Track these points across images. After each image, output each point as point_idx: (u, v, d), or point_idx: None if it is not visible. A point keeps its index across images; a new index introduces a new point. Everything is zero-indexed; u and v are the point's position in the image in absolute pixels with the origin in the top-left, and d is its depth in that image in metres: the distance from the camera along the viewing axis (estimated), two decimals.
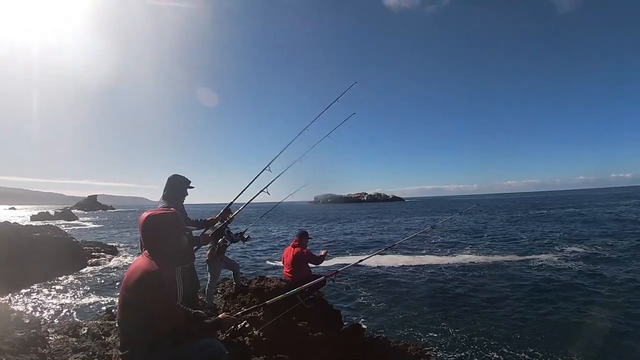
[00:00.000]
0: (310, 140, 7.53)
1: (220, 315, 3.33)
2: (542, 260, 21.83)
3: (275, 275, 10.59)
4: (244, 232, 8.28)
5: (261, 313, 6.34)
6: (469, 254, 25.66)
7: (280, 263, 9.97)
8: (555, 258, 22.47)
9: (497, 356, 9.76)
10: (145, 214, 2.93)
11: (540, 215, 59.97)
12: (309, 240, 8.18)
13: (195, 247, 5.23)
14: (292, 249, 7.87)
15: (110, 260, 25.21)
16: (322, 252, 8.09)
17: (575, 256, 22.76)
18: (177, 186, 5.29)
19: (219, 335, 3.95)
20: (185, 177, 5.38)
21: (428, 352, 8.08)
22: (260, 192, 6.65)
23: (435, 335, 11.40)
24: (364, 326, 8.83)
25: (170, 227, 2.94)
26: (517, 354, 9.82)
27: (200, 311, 3.30)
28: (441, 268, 21.09)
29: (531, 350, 9.99)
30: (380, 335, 8.51)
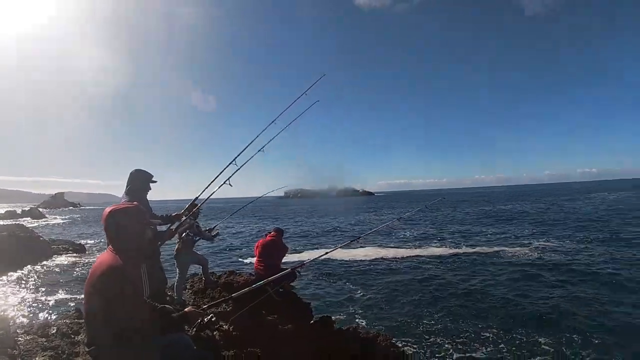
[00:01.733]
0: (284, 134, 7.50)
1: (186, 309, 3.31)
2: (508, 252, 22.57)
3: (245, 271, 10.57)
4: (214, 228, 8.24)
5: (230, 307, 6.33)
6: (437, 246, 26.31)
7: (250, 259, 9.98)
8: (522, 250, 23.22)
9: (461, 343, 10.12)
10: (107, 209, 2.90)
11: (506, 208, 61.64)
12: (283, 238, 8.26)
13: (160, 243, 5.19)
14: (266, 240, 7.87)
15: (78, 258, 24.65)
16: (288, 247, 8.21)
17: (542, 248, 23.58)
18: (140, 181, 5.23)
19: (187, 330, 3.92)
20: (148, 171, 5.33)
21: (397, 342, 8.22)
22: (223, 183, 6.57)
23: (404, 324, 11.69)
24: (333, 318, 8.91)
25: (133, 221, 2.91)
26: (483, 342, 10.18)
27: (167, 306, 3.26)
28: (408, 260, 21.62)
29: (498, 339, 10.39)
30: (350, 327, 8.59)
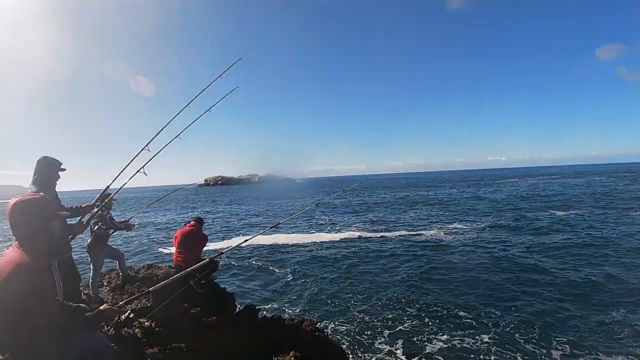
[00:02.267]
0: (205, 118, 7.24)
1: (101, 307, 3.16)
2: (424, 235, 23.95)
3: (164, 262, 10.25)
4: (129, 219, 7.85)
5: (150, 302, 6.10)
6: (354, 230, 27.25)
7: (169, 250, 9.65)
8: (438, 232, 24.75)
9: (380, 322, 10.58)
10: (11, 201, 2.67)
11: (421, 193, 64.75)
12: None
13: (70, 237, 4.85)
14: (185, 230, 7.62)
15: None
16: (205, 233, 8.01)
17: (456, 230, 25.29)
18: (47, 169, 4.76)
19: (105, 329, 3.71)
20: (56, 158, 4.92)
21: (322, 327, 8.34)
22: (136, 172, 6.21)
23: (327, 308, 12.01)
24: (257, 306, 8.89)
25: (39, 214, 2.70)
26: (399, 320, 10.74)
27: (81, 305, 3.07)
28: (327, 244, 22.30)
29: (410, 316, 11.04)
30: (274, 314, 8.60)
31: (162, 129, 6.35)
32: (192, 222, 7.78)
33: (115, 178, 6.03)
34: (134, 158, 5.99)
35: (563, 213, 30.32)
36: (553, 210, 31.61)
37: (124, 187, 6.24)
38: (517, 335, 9.51)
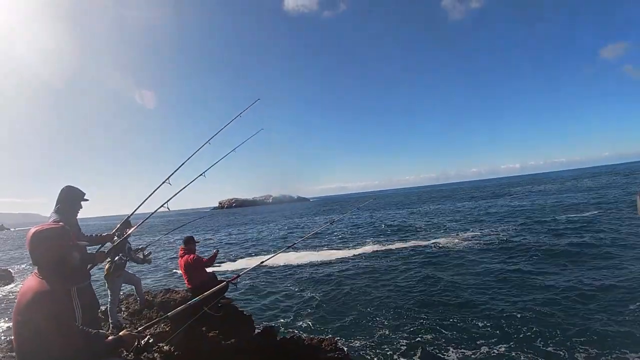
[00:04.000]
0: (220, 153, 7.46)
1: (121, 333, 3.19)
2: (438, 245, 23.96)
3: (183, 285, 10.31)
4: (145, 248, 7.93)
5: (169, 327, 6.14)
6: (370, 244, 27.27)
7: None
8: (453, 241, 24.75)
9: (404, 339, 10.36)
10: (32, 230, 2.74)
11: (435, 205, 64.36)
12: (211, 244, 8.04)
13: (90, 265, 4.93)
14: (182, 258, 7.69)
15: (4, 284, 22.81)
16: (213, 252, 7.99)
17: (470, 237, 25.27)
18: (71, 199, 4.89)
19: (125, 354, 3.76)
20: (80, 188, 5.03)
21: (342, 346, 8.29)
22: (160, 207, 6.39)
23: (347, 326, 11.85)
24: (276, 327, 8.90)
25: (58, 243, 2.77)
26: (424, 336, 10.53)
27: (101, 331, 3.12)
28: (344, 260, 22.21)
29: (439, 331, 10.81)
30: (294, 335, 8.59)
31: (182, 164, 6.54)
32: (182, 247, 7.80)
33: (136, 210, 6.19)
34: (155, 191, 6.15)
35: (576, 216, 30.10)
36: (565, 214, 31.25)
37: (140, 213, 6.38)
38: (536, 342, 9.38)
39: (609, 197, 41.96)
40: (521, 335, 9.97)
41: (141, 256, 7.64)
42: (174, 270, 23.44)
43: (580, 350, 8.90)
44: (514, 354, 9.08)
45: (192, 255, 7.63)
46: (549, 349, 9.14)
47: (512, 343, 9.61)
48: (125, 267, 7.38)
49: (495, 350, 9.35)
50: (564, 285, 13.29)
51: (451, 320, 11.42)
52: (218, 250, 8.28)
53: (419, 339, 10.34)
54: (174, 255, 30.73)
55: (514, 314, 11.33)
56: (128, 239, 7.05)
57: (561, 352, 8.91)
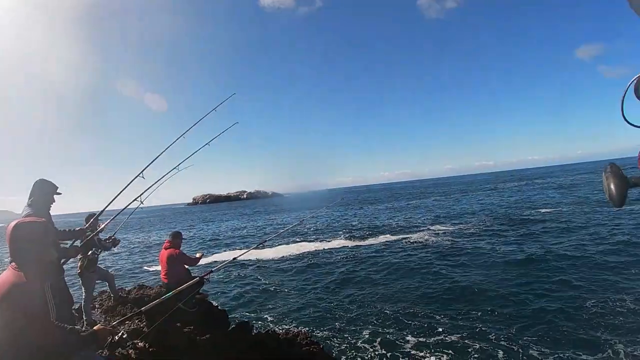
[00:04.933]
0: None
1: (95, 327, 3.17)
2: (408, 239, 24.60)
3: (156, 282, 10.23)
4: (112, 236, 7.81)
5: (143, 323, 6.11)
6: (342, 239, 27.79)
7: (158, 267, 9.62)
8: (425, 236, 25.26)
9: (375, 331, 10.54)
10: (12, 223, 2.71)
11: (408, 201, 65.16)
12: (183, 240, 7.96)
13: (63, 260, 4.86)
14: (165, 250, 7.61)
15: None
16: (198, 255, 7.93)
17: (442, 233, 25.72)
18: (44, 192, 4.79)
19: (99, 351, 3.73)
20: (53, 182, 4.93)
21: (316, 339, 8.38)
22: (133, 200, 6.31)
23: (321, 319, 12.00)
24: (251, 322, 8.91)
25: (40, 237, 2.75)
26: (394, 327, 10.72)
27: (76, 326, 3.10)
28: (316, 254, 22.59)
29: (407, 323, 11.01)
30: (268, 329, 8.63)
31: (156, 158, 6.46)
32: (169, 240, 7.74)
33: (109, 204, 6.11)
34: (128, 185, 6.07)
35: (546, 211, 31.02)
36: (535, 210, 31.94)
37: (112, 209, 6.31)
38: (495, 333, 9.64)
39: (580, 194, 43.05)
40: (478, 323, 10.37)
41: (110, 242, 7.51)
42: (146, 268, 23.24)
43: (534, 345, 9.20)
44: (467, 342, 9.44)
45: (177, 250, 7.57)
46: (503, 342, 9.40)
47: (466, 333, 9.95)
48: (97, 264, 7.29)
49: (449, 338, 9.73)
50: (529, 280, 13.77)
51: (415, 311, 11.78)
52: (203, 255, 8.22)
53: (384, 329, 10.61)
54: (147, 252, 30.45)
55: (479, 304, 11.75)
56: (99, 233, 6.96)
57: (515, 346, 9.17)
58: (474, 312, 11.26)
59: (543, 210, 32.31)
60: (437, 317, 11.15)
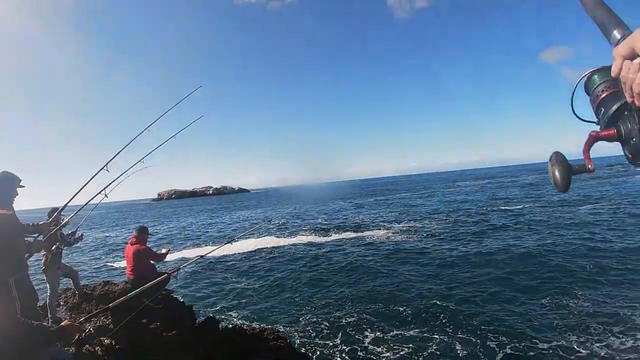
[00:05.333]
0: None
1: (62, 323, 3.14)
2: (370, 236, 25.17)
3: (121, 278, 10.08)
4: (76, 231, 7.65)
5: (109, 320, 6.03)
6: (306, 234, 28.30)
7: (123, 263, 9.49)
8: (386, 233, 25.87)
9: (339, 327, 10.74)
10: None
11: (373, 199, 65.76)
12: (149, 236, 7.88)
13: (27, 255, 4.75)
14: (132, 246, 7.52)
15: None
16: (164, 250, 7.88)
17: (402, 230, 26.33)
18: (6, 184, 4.64)
19: (66, 348, 3.68)
20: (15, 174, 4.76)
21: (284, 335, 8.44)
22: (97, 193, 6.19)
23: (288, 314, 12.15)
24: (218, 317, 8.88)
25: (7, 230, 2.72)
26: (357, 324, 10.93)
27: (43, 323, 3.07)
28: (282, 249, 22.88)
29: (370, 320, 11.24)
30: (235, 325, 8.63)
31: (121, 150, 6.35)
32: (135, 235, 7.64)
33: (72, 197, 5.98)
34: (92, 178, 5.96)
35: (508, 208, 31.79)
36: (498, 207, 32.83)
37: (74, 203, 6.19)
38: (450, 328, 9.95)
39: (541, 193, 44.37)
40: (433, 320, 10.67)
41: (73, 238, 7.37)
42: (110, 264, 22.82)
43: (492, 339, 9.55)
44: (425, 335, 9.80)
45: (143, 246, 7.48)
46: (461, 335, 9.75)
47: (425, 328, 10.29)
48: (61, 260, 7.14)
49: (406, 333, 10.06)
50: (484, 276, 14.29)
51: (375, 306, 12.07)
52: (169, 250, 8.14)
53: (345, 325, 10.89)
54: (111, 248, 29.85)
55: (436, 300, 12.08)
56: (63, 228, 6.80)
57: (474, 339, 9.52)
58: (427, 309, 11.58)
59: (504, 208, 33.37)
60: (395, 313, 11.47)
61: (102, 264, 22.99)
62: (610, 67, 0.90)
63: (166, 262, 10.14)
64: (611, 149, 1.03)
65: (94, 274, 19.95)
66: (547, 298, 11.54)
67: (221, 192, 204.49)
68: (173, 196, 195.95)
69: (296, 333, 10.52)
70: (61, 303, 7.60)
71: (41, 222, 5.33)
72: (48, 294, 6.80)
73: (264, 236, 28.37)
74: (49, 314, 6.66)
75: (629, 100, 0.85)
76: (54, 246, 6.62)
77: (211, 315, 9.56)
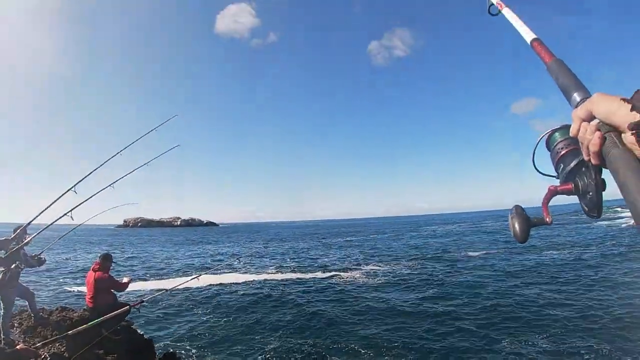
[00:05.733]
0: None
1: (18, 347, 2.93)
2: (340, 277, 25.37)
3: (78, 304, 9.63)
4: (40, 254, 7.38)
5: (64, 347, 5.70)
6: (273, 272, 28.15)
7: (83, 288, 9.10)
8: (354, 274, 25.99)
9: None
10: None
11: (342, 239, 65.86)
12: (112, 264, 7.64)
13: None
14: (94, 273, 7.24)
15: None
16: (126, 280, 7.62)
17: (370, 273, 26.37)
18: None
19: None
20: None
21: None
22: (63, 215, 6.01)
23: (248, 352, 11.88)
24: (178, 353, 8.56)
25: None
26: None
27: None
28: (248, 285, 22.83)
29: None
30: None
31: (90, 173, 6.26)
32: (98, 261, 7.40)
33: (36, 217, 5.78)
34: (59, 199, 5.80)
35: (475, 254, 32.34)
36: (460, 252, 33.15)
37: (36, 223, 5.99)
38: None
39: (504, 239, 45.16)
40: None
41: (36, 259, 7.07)
42: (68, 288, 21.97)
43: None
44: None
45: (106, 274, 7.20)
46: None
47: None
48: (19, 280, 6.79)
49: None
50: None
51: (338, 346, 12.15)
52: (132, 279, 7.87)
53: None
54: (70, 272, 28.82)
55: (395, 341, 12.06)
56: (25, 247, 6.52)
57: None
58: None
59: (467, 253, 34.17)
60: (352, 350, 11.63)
61: (60, 288, 22.09)
62: (569, 126, 1.01)
63: (129, 291, 9.81)
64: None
65: (51, 297, 19.09)
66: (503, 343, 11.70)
67: (189, 223, 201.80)
68: (139, 224, 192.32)
69: None
70: (15, 324, 7.17)
71: (3, 238, 5.11)
72: (1, 313, 6.41)
73: (231, 272, 27.91)
74: (1, 335, 6.26)
75: (585, 158, 0.96)
76: (15, 264, 6.32)
77: (171, 350, 9.17)
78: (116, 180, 6.81)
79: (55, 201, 5.92)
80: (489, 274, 23.27)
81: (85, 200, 6.32)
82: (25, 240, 5.79)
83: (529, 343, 11.63)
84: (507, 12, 1.54)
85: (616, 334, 11.81)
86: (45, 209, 5.84)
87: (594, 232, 45.19)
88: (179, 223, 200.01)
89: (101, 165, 6.60)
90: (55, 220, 6.03)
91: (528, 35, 1.38)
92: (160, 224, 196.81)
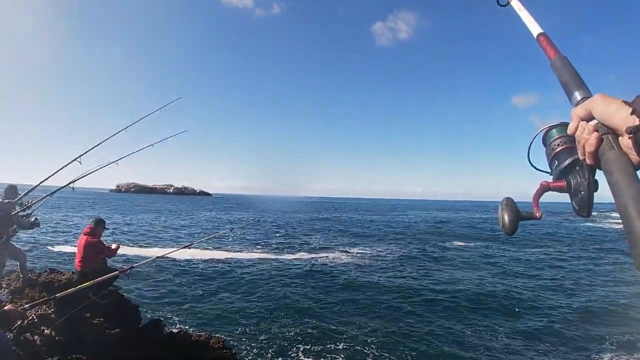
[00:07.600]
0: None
1: (6, 307, 3.05)
2: (326, 258, 25.26)
3: (68, 266, 9.78)
4: (31, 214, 7.44)
5: (52, 309, 5.85)
6: (260, 251, 27.58)
7: (73, 250, 9.22)
8: (341, 255, 26.15)
9: (287, 338, 10.80)
10: None
11: (334, 218, 66.01)
12: (105, 230, 7.72)
13: None
14: (84, 236, 7.32)
15: None
16: (114, 246, 7.68)
17: (357, 254, 26.65)
18: None
19: (6, 333, 3.55)
20: None
21: (229, 345, 8.35)
22: (66, 185, 6.15)
23: (235, 324, 12.12)
24: (164, 321, 8.73)
25: None
26: (302, 335, 10.97)
27: None
28: (238, 261, 22.62)
29: (314, 331, 11.41)
30: (181, 330, 8.49)
31: (96, 146, 6.38)
32: (90, 226, 7.43)
33: (40, 183, 5.91)
34: (63, 168, 5.93)
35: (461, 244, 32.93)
36: (447, 241, 33.53)
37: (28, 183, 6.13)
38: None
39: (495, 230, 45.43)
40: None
41: (30, 222, 7.15)
42: (58, 249, 22.12)
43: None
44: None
45: (95, 239, 7.29)
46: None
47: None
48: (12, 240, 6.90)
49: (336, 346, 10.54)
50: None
51: (322, 325, 12.24)
52: (119, 245, 7.95)
53: (283, 337, 11.18)
54: (60, 233, 28.94)
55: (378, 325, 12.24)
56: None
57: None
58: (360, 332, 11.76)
59: (457, 244, 34.16)
60: (330, 329, 11.91)
61: (51, 248, 22.25)
62: (567, 123, 1.01)
63: (118, 257, 9.95)
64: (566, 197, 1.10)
65: (41, 258, 19.25)
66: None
67: (182, 192, 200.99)
68: (132, 190, 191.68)
69: (241, 344, 10.44)
70: (3, 285, 7.30)
71: (6, 200, 5.21)
72: None
73: (222, 244, 27.95)
74: None
75: (580, 157, 0.97)
76: (11, 228, 6.42)
77: (157, 318, 9.37)
78: (120, 158, 7.05)
79: (58, 170, 6.06)
80: (473, 263, 23.79)
81: (89, 173, 6.49)
82: (29, 204, 5.93)
83: (501, 328, 12.26)
84: (515, 4, 1.51)
85: (581, 326, 12.61)
86: (50, 176, 5.98)
87: (579, 231, 45.95)
88: (171, 190, 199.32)
89: (106, 140, 6.79)
90: (59, 189, 6.19)
91: (535, 29, 1.37)
92: (152, 190, 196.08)
